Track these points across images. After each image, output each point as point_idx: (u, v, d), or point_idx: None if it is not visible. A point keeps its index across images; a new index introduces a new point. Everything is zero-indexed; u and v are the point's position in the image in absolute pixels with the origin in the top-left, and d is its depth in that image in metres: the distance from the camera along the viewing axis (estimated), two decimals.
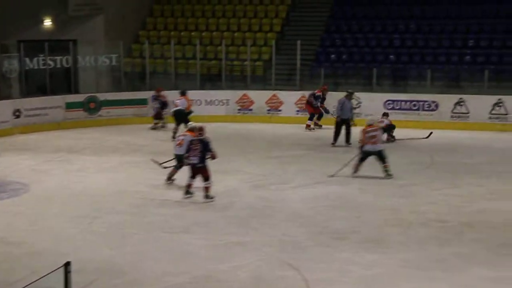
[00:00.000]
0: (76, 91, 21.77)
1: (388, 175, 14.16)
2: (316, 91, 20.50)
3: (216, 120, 21.42)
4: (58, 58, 21.35)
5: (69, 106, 20.80)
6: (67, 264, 6.25)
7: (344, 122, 17.97)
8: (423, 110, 20.65)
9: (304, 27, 24.80)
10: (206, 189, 12.69)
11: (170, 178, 13.77)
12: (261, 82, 23.18)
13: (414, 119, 20.69)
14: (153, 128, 20.39)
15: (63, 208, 12.45)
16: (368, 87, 21.54)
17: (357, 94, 20.70)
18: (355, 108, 19.35)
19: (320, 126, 20.35)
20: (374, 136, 14.27)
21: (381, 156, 14.28)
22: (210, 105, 22.00)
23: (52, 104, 20.45)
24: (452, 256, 9.86)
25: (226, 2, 26.16)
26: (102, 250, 10.23)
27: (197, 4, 26.29)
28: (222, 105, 22.13)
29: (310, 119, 20.36)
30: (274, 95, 21.97)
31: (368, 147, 14.27)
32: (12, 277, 8.82)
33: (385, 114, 19.27)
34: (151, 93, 21.58)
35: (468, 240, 10.62)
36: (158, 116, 20.52)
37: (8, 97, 20.56)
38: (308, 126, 20.24)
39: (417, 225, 11.36)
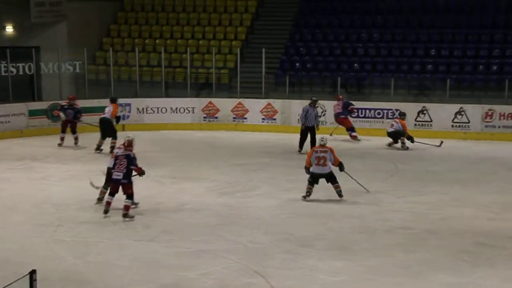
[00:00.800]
0: (39, 99, 21.52)
1: (340, 195, 13.36)
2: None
3: (182, 128, 21.38)
4: (21, 65, 21.07)
5: (32, 113, 20.55)
6: (32, 273, 6.16)
7: (308, 129, 18.05)
8: (387, 118, 20.84)
9: (269, 35, 24.91)
10: (127, 207, 11.93)
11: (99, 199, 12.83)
12: (227, 90, 23.20)
13: (379, 127, 20.86)
14: (60, 144, 18.45)
15: (26, 216, 12.28)
16: (333, 95, 21.68)
17: (321, 102, 20.87)
18: (319, 116, 19.42)
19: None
20: (322, 158, 13.19)
21: (331, 178, 13.33)
22: (175, 113, 21.92)
23: (15, 111, 20.19)
24: (417, 263, 9.96)
25: (191, 10, 26.16)
26: (66, 259, 10.10)
27: (161, 11, 26.24)
28: (188, 113, 22.08)
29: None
30: (239, 103, 21.99)
31: (315, 169, 13.26)
32: None
33: (402, 114, 19.47)
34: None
35: (432, 246, 10.73)
36: (64, 127, 18.55)
37: None
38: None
39: (382, 232, 11.46)
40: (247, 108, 21.91)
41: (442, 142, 19.14)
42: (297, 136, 18.47)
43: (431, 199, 13.59)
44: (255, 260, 10.01)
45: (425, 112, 20.86)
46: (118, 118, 18.08)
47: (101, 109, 21.30)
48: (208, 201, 13.30)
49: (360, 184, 13.85)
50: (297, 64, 23.72)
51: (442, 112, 20.78)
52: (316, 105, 18.69)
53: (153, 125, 21.58)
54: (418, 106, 20.97)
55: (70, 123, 18.44)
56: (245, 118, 21.93)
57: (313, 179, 13.33)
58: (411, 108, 20.88)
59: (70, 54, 22.38)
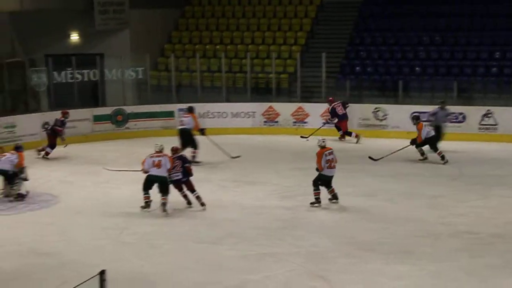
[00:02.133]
0: (104, 104, 21.96)
1: (335, 198, 13.23)
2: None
3: (242, 133, 21.47)
4: (86, 71, 21.56)
5: (97, 118, 20.99)
6: (102, 273, 6.31)
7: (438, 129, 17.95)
8: (451, 122, 20.50)
9: (329, 40, 24.81)
10: (198, 198, 13.03)
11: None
12: (287, 94, 23.22)
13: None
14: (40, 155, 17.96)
15: (92, 219, 12.57)
16: (394, 99, 21.47)
17: (383, 106, 20.72)
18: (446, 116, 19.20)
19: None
20: (332, 160, 13.12)
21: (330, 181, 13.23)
22: (236, 118, 22.04)
23: (80, 117, 20.64)
24: (484, 268, 9.81)
25: (251, 16, 26.27)
26: (132, 261, 10.31)
27: (222, 17, 26.43)
28: (248, 117, 22.18)
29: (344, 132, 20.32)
30: (299, 107, 21.98)
31: (327, 172, 13.10)
32: (45, 287, 8.91)
33: (415, 118, 18.03)
34: (177, 105, 21.73)
35: (499, 251, 10.55)
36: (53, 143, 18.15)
37: (36, 110, 20.79)
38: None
39: (446, 236, 11.31)
40: (307, 112, 21.88)
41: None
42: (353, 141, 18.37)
43: (496, 203, 13.36)
44: (317, 264, 10.02)
45: (489, 115, 20.45)
46: (202, 130, 17.95)
47: (164, 115, 21.73)
48: (269, 205, 13.36)
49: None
50: (358, 68, 23.57)
51: (507, 115, 20.33)
52: (445, 107, 18.80)
53: (214, 129, 21.69)
54: (483, 109, 20.57)
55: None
56: (306, 122, 21.88)
57: (324, 182, 13.17)
58: (475, 112, 20.51)
59: (133, 60, 22.76)
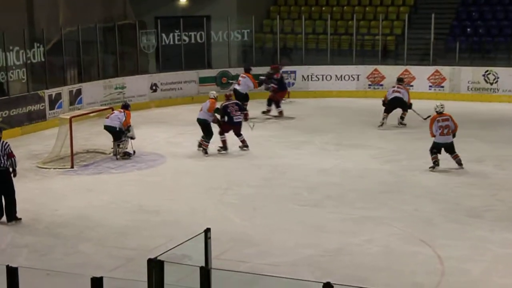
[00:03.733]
0: (209, 66, 22.25)
1: (460, 164, 12.83)
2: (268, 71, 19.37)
3: (346, 96, 21.26)
4: (193, 33, 21.87)
5: (202, 80, 21.32)
6: (207, 231, 6.43)
7: None
8: None
9: (439, 0, 24.04)
10: (244, 141, 14.67)
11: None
12: (393, 57, 22.74)
13: None
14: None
15: (197, 179, 12.85)
16: (507, 62, 20.61)
17: (496, 69, 19.95)
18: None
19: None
20: (446, 127, 12.77)
21: (451, 148, 12.86)
22: (340, 81, 21.82)
23: (186, 78, 21.05)
24: None
25: None
26: (234, 221, 10.48)
27: None
28: (353, 80, 21.91)
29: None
30: (406, 70, 21.48)
31: (439, 139, 12.80)
32: (151, 244, 9.21)
33: (400, 80, 17.62)
34: (282, 68, 21.70)
35: None
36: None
37: (145, 72, 21.34)
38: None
39: None
40: (413, 75, 21.36)
41: (429, 116, 16.78)
42: (466, 104, 17.82)
43: None
44: (420, 229, 9.86)
45: None
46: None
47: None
48: (372, 168, 13.22)
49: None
50: (469, 29, 22.72)
51: None
52: None
53: (318, 92, 21.63)
54: None
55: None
56: (412, 86, 21.38)
57: (437, 149, 12.83)
58: None
59: (238, 23, 22.85)
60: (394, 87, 17.25)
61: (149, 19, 22.54)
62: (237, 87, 18.32)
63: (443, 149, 12.92)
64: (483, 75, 20.29)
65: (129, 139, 14.21)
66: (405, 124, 16.83)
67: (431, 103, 19.86)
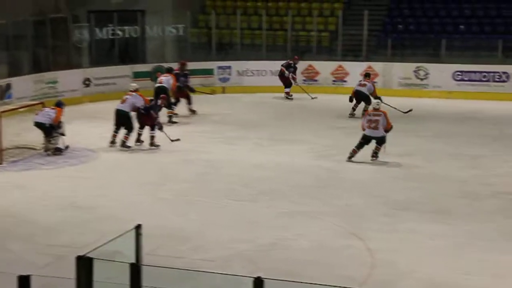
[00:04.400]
0: (143, 61, 22.04)
1: (373, 155, 13.19)
2: (289, 61, 20.55)
3: (282, 91, 21.33)
4: (127, 28, 21.63)
5: (137, 75, 21.08)
6: (138, 227, 6.39)
7: None
8: (494, 81, 20.14)
9: None
10: (153, 137, 14.39)
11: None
12: (327, 53, 22.99)
13: (484, 90, 20.22)
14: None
15: (130, 175, 12.73)
16: (437, 58, 21.11)
17: (425, 65, 20.42)
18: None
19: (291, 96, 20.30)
20: (374, 121, 13.15)
21: (381, 141, 13.22)
22: (275, 76, 21.89)
23: (120, 73, 20.78)
24: None
25: None
26: (168, 216, 10.42)
27: None
28: (288, 75, 22.03)
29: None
30: (340, 66, 21.78)
31: (368, 132, 13.21)
32: (82, 241, 9.07)
33: (367, 75, 18.46)
34: (216, 63, 21.73)
35: None
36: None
37: (78, 66, 20.99)
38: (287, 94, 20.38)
39: (485, 197, 11.19)
40: (347, 71, 21.67)
41: (410, 110, 17.40)
42: (397, 100, 18.15)
43: None
44: (352, 223, 10.01)
45: None
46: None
47: (203, 72, 21.75)
48: (306, 163, 13.35)
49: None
50: (400, 26, 23.17)
51: None
52: None
53: (253, 87, 21.69)
54: None
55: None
56: (345, 81, 21.70)
57: (365, 141, 13.24)
58: None
59: (173, 17, 22.73)
60: (360, 81, 17.77)
61: (82, 13, 22.18)
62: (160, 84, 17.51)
63: (375, 142, 13.14)
64: (414, 71, 20.74)
65: (60, 136, 14.01)
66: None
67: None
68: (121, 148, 14.22)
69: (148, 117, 14.44)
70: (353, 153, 13.23)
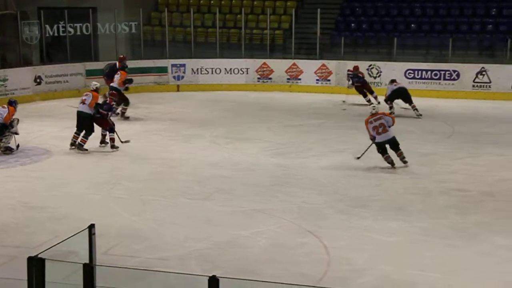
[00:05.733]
0: (96, 59, 21.79)
1: (404, 161, 12.87)
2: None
3: (236, 89, 21.41)
4: (78, 25, 21.34)
5: (89, 73, 20.84)
6: (91, 227, 6.31)
7: None
8: (444, 79, 20.48)
9: None
10: (112, 139, 14.09)
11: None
12: (281, 51, 23.08)
13: (435, 88, 20.57)
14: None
15: (84, 174, 12.55)
16: (389, 57, 21.38)
17: (377, 63, 20.65)
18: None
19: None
20: (380, 125, 12.72)
21: (394, 144, 12.85)
22: (229, 74, 21.95)
23: (73, 71, 20.54)
24: (472, 225, 9.85)
25: None
26: (123, 216, 10.31)
27: None
28: (242, 73, 22.08)
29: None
30: (294, 64, 21.88)
31: (379, 138, 12.74)
32: (35, 241, 8.93)
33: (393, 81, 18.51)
34: (170, 61, 21.61)
35: (488, 209, 10.59)
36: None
37: (29, 64, 20.63)
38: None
39: (437, 193, 11.35)
40: (301, 69, 21.78)
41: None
42: (351, 98, 18.36)
43: (487, 161, 13.38)
44: (308, 220, 10.04)
45: (483, 73, 20.38)
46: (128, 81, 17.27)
47: (157, 70, 21.62)
48: (262, 162, 13.36)
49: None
50: (353, 24, 23.41)
51: (501, 73, 20.28)
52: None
53: (208, 85, 21.68)
54: (477, 67, 20.49)
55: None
56: (299, 79, 21.82)
57: (382, 149, 12.78)
58: (469, 69, 20.45)
59: (126, 15, 22.54)
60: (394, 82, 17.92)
61: (32, 9, 21.85)
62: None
63: (388, 146, 12.83)
64: (367, 69, 20.94)
65: (13, 134, 13.73)
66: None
67: (319, 96, 20.53)
68: (78, 150, 13.89)
69: (103, 120, 14.12)
70: (389, 160, 12.72)
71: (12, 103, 14.02)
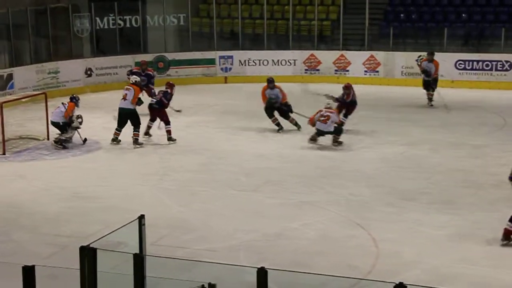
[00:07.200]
0: (145, 51, 21.98)
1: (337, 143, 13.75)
2: None
3: (283, 81, 21.18)
4: (128, 17, 21.55)
5: (138, 65, 20.99)
6: (141, 217, 6.36)
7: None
8: (496, 70, 20.06)
9: None
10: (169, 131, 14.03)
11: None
12: (329, 42, 22.92)
13: (487, 79, 20.16)
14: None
15: (133, 165, 12.71)
16: (439, 47, 21.04)
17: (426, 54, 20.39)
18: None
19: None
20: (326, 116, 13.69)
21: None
22: (277, 65, 21.88)
23: (122, 63, 20.72)
24: None
25: None
26: (171, 207, 10.40)
27: None
28: (289, 65, 22.00)
29: None
30: (341, 55, 21.71)
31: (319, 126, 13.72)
32: (86, 231, 9.07)
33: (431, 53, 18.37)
34: (218, 53, 21.66)
35: None
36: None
37: (80, 56, 20.93)
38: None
39: (489, 186, 11.16)
40: (349, 60, 21.60)
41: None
42: (400, 89, 18.13)
43: None
44: (356, 213, 9.98)
45: None
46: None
47: (205, 62, 21.70)
48: (309, 154, 13.32)
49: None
50: (402, 15, 23.08)
51: None
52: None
53: (255, 77, 21.59)
54: None
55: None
56: (347, 71, 21.63)
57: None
58: None
59: (174, 7, 22.65)
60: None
61: (83, 2, 22.11)
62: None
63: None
64: (416, 60, 20.62)
65: (74, 130, 13.86)
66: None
67: (367, 87, 20.33)
68: (134, 146, 13.77)
69: (163, 111, 14.13)
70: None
71: (72, 99, 14.10)
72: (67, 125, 13.76)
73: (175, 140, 14.03)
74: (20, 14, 19.10)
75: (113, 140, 14.05)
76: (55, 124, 13.84)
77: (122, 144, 14.07)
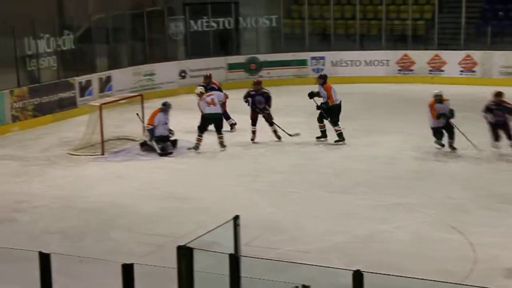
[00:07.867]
0: (238, 52, 22.22)
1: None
2: None
3: (376, 81, 21.08)
4: (221, 20, 21.85)
5: (231, 67, 21.31)
6: (236, 218, 6.43)
7: None
8: None
9: None
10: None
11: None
12: (423, 41, 22.50)
13: None
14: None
15: (225, 166, 12.86)
16: None
17: None
18: None
19: None
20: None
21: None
22: (369, 66, 21.67)
23: (215, 65, 21.02)
24: None
25: None
26: (263, 207, 10.47)
27: None
28: (382, 65, 21.74)
29: None
30: (436, 55, 21.27)
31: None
32: (181, 230, 9.25)
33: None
34: (310, 54, 21.65)
35: None
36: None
37: (174, 58, 21.37)
38: None
39: None
40: (444, 60, 21.14)
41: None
42: (498, 89, 17.51)
43: None
44: (452, 216, 9.77)
45: None
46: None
47: (297, 63, 21.73)
48: (402, 155, 13.12)
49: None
50: (500, 12, 22.38)
51: None
52: None
53: (347, 78, 21.46)
54: None
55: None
56: (442, 71, 21.18)
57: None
58: None
59: (267, 8, 22.80)
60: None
61: (178, 5, 22.55)
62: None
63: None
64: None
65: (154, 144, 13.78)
66: None
67: (463, 88, 19.83)
68: (221, 149, 13.83)
69: (270, 115, 14.42)
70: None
71: (163, 104, 14.12)
72: (151, 132, 13.78)
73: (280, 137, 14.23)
74: (118, 18, 19.69)
75: (194, 148, 13.80)
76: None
77: (215, 145, 14.18)
